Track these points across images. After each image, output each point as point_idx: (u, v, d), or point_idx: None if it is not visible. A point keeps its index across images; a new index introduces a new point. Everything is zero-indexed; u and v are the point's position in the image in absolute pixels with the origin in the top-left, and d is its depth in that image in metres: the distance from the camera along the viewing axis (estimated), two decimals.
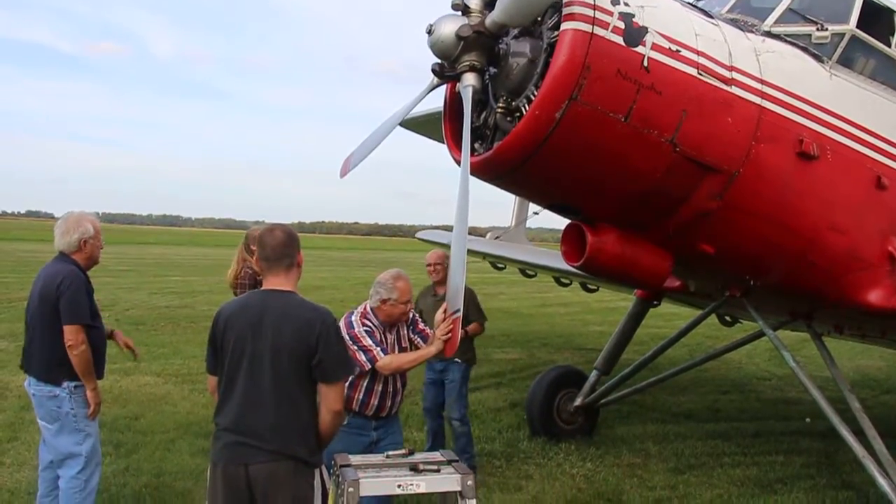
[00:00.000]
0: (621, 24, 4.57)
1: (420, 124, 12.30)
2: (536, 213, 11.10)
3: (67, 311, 4.94)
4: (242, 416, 3.66)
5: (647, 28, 4.67)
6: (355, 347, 4.83)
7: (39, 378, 5.06)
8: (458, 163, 5.23)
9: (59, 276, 5.02)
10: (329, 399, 3.71)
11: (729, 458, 8.01)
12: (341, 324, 4.72)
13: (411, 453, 3.93)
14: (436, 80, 4.98)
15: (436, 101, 5.32)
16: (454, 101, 5.27)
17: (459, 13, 4.66)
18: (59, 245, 5.19)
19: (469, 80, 4.63)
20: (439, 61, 4.80)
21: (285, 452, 3.64)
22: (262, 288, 3.88)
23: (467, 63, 4.64)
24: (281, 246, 3.83)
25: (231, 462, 3.66)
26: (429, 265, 7.42)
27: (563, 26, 4.50)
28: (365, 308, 5.05)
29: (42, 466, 5.25)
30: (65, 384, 5.00)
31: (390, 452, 3.89)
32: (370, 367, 4.85)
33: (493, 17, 4.55)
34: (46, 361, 5.03)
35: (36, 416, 5.26)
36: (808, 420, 9.58)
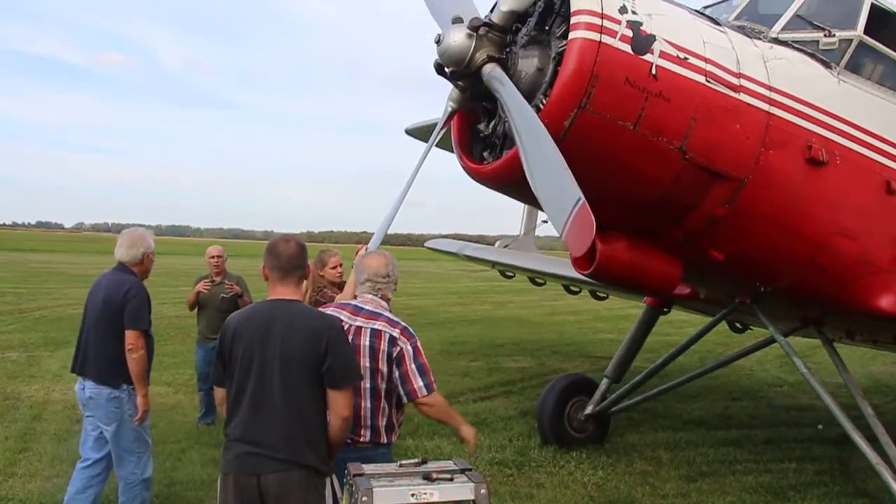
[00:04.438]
0: (629, 33, 4.59)
1: (426, 133, 12.34)
2: (545, 222, 11.09)
3: (131, 317, 5.26)
4: (253, 426, 3.67)
5: (654, 36, 4.68)
6: (414, 367, 4.19)
7: (98, 380, 5.31)
8: (467, 170, 5.26)
9: (126, 284, 5.35)
10: (338, 405, 3.72)
11: (741, 465, 7.96)
12: (405, 340, 4.22)
13: (424, 462, 3.93)
14: (451, 105, 4.93)
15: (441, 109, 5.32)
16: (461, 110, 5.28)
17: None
18: (121, 256, 5.50)
19: (491, 68, 4.58)
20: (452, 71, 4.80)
21: (296, 461, 3.65)
22: (270, 298, 3.89)
23: (484, 56, 4.62)
24: (296, 257, 3.88)
25: (242, 472, 3.67)
26: (211, 258, 8.76)
27: (572, 35, 4.52)
28: (388, 310, 4.42)
29: (84, 464, 5.48)
30: (124, 386, 5.30)
31: (403, 462, 3.89)
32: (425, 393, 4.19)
33: (499, 9, 4.60)
34: (107, 364, 5.30)
35: (84, 416, 5.53)
36: (820, 427, 9.53)
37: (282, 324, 3.72)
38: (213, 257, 8.76)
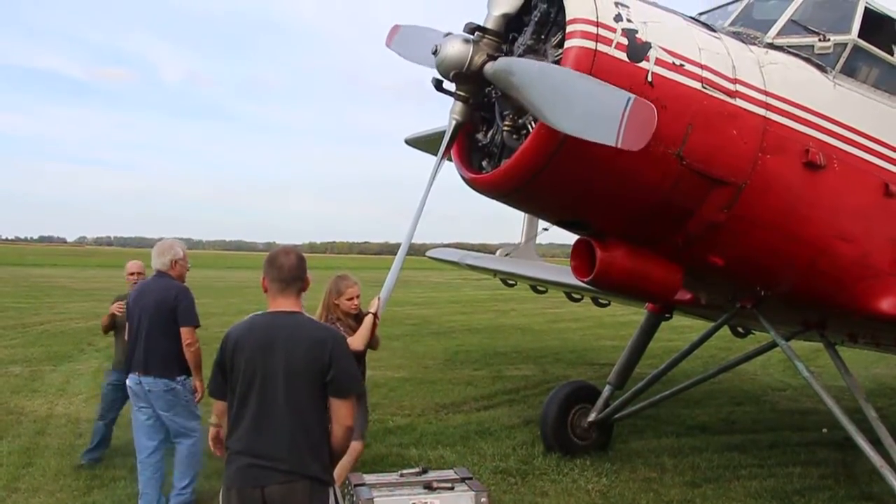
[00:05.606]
0: (624, 41, 4.61)
1: (426, 143, 12.39)
2: (546, 230, 11.15)
3: (185, 316, 6.00)
4: (256, 438, 3.68)
5: (650, 43, 4.71)
6: None
7: (157, 374, 5.98)
8: (466, 179, 5.28)
9: (174, 288, 6.11)
10: (341, 415, 3.74)
11: (745, 470, 7.95)
12: None
13: (425, 471, 3.94)
14: (455, 118, 4.94)
15: (441, 119, 5.37)
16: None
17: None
18: (155, 265, 6.24)
19: (493, 64, 4.64)
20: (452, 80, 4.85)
21: (301, 472, 3.65)
22: (270, 309, 3.90)
23: (483, 57, 4.70)
24: (296, 269, 3.90)
25: (246, 485, 3.66)
26: (130, 274, 7.82)
27: (567, 44, 4.55)
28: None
29: (144, 455, 6.18)
30: (178, 378, 6.02)
31: (404, 471, 3.90)
32: None
33: (492, 13, 4.70)
34: (164, 359, 5.99)
35: (135, 408, 6.20)
36: (824, 430, 9.52)
37: (284, 335, 3.74)
38: (131, 273, 7.80)
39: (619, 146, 4.05)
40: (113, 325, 7.80)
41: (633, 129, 4.01)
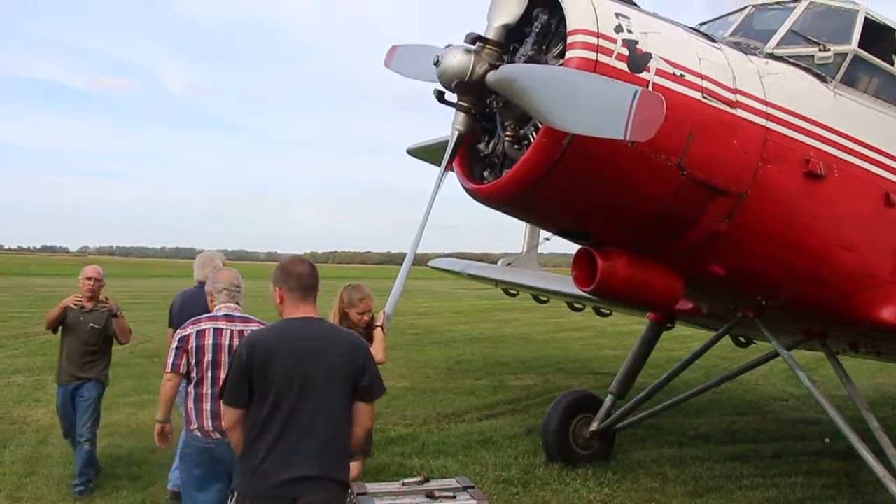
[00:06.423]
0: (625, 51, 4.64)
1: (428, 152, 12.41)
2: (548, 240, 11.14)
3: None
4: (293, 447, 3.60)
5: (650, 54, 4.73)
6: None
7: None
8: (468, 189, 5.31)
9: None
10: (365, 417, 3.81)
11: (748, 480, 7.92)
12: None
13: (426, 480, 3.94)
14: (458, 129, 4.92)
15: (443, 129, 5.40)
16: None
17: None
18: (198, 276, 6.65)
19: (495, 73, 4.69)
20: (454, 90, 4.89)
21: (332, 477, 3.67)
22: (294, 316, 3.84)
23: (485, 66, 4.73)
24: (313, 276, 3.94)
25: (277, 497, 3.59)
26: (87, 278, 7.05)
27: (568, 55, 4.58)
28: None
29: None
30: None
31: (406, 480, 3.91)
32: None
33: (492, 24, 4.74)
34: None
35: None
36: (827, 440, 9.49)
37: (322, 341, 3.77)
38: (89, 278, 7.03)
39: (627, 138, 4.00)
40: (62, 322, 7.02)
41: (641, 120, 3.94)
